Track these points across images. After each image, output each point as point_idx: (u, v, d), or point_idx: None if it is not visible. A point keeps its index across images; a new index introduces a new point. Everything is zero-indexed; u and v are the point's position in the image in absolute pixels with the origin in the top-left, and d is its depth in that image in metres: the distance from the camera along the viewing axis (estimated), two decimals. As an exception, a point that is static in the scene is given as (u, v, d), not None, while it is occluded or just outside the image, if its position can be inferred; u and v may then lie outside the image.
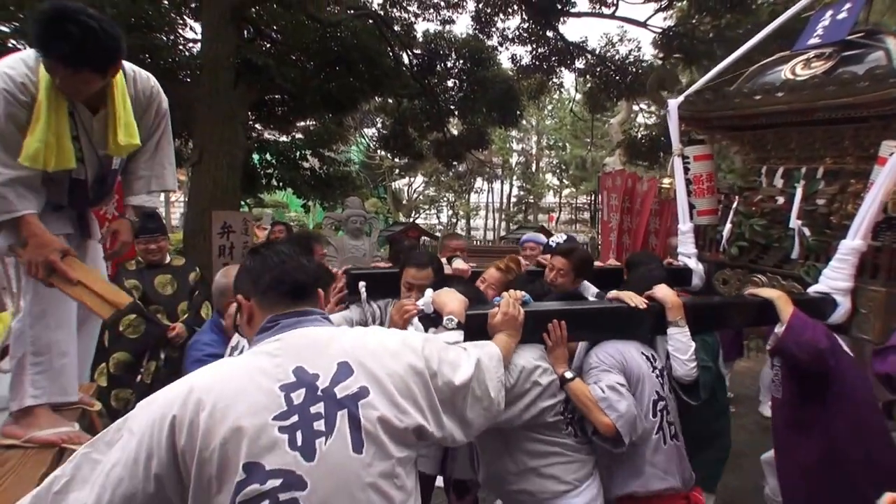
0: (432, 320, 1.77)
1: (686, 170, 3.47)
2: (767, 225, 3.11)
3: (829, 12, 3.04)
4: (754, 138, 3.38)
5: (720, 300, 2.88)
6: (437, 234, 18.77)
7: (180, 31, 6.55)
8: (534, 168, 29.71)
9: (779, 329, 2.13)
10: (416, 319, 1.84)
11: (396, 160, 17.82)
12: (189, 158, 5.48)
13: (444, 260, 2.71)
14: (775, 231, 3.09)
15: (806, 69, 2.96)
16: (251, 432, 0.94)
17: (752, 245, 3.19)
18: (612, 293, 2.18)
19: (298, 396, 1.00)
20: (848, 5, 2.94)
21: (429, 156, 11.60)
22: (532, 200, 30.06)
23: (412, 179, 26.51)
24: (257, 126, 8.17)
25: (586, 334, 2.08)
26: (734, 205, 3.31)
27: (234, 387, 0.99)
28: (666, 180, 3.79)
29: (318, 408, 1.01)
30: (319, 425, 0.99)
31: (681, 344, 2.05)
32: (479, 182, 28.35)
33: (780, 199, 3.11)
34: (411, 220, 24.85)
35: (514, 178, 29.76)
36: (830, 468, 2.05)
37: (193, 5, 6.42)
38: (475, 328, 1.70)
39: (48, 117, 1.59)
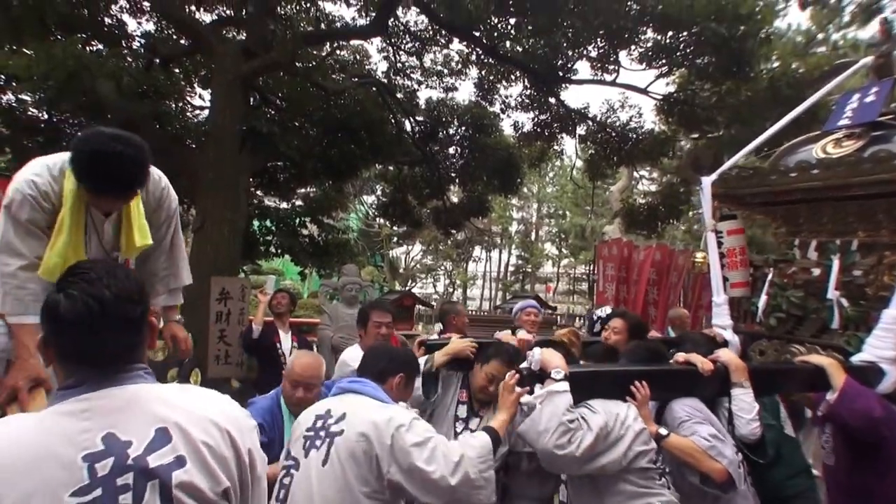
0: (537, 377, 2.02)
1: (719, 244, 3.64)
2: (804, 296, 3.22)
3: (857, 95, 3.31)
4: (787, 213, 3.59)
5: (777, 365, 2.93)
6: (433, 302, 18.59)
7: (189, 98, 6.79)
8: (533, 237, 30.14)
9: (830, 396, 2.24)
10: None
11: (395, 228, 18.02)
12: (192, 224, 5.47)
13: (508, 331, 3.08)
14: (812, 302, 3.20)
15: (837, 148, 3.21)
16: None
17: (788, 316, 3.30)
18: (681, 356, 2.37)
19: (104, 467, 0.91)
20: (875, 89, 3.21)
21: (428, 224, 11.72)
22: (530, 270, 30.24)
23: (410, 248, 26.75)
24: (258, 193, 8.26)
25: (659, 393, 2.21)
26: (769, 277, 3.44)
27: (28, 456, 0.88)
28: (699, 254, 3.98)
29: (126, 479, 0.92)
30: (126, 499, 0.90)
31: (745, 404, 2.20)
32: (477, 251, 28.62)
33: (816, 271, 3.25)
34: (408, 288, 24.74)
35: (513, 246, 30.11)
36: None
37: (203, 73, 6.69)
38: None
39: (70, 233, 1.69)
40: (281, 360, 4.46)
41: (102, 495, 0.89)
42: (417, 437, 1.70)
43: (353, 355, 2.86)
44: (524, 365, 2.13)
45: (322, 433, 1.74)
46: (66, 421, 0.93)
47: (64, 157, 1.70)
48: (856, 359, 2.70)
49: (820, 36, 14.59)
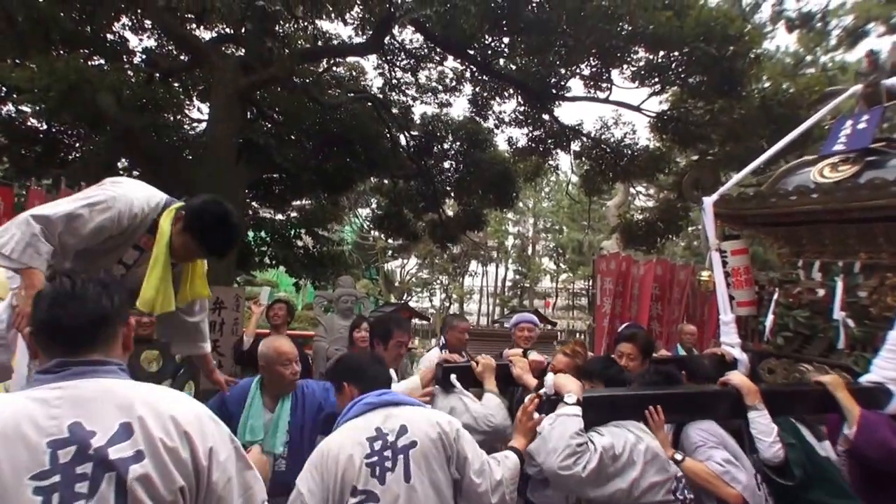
0: (552, 402, 2.09)
1: (724, 263, 3.72)
2: (810, 316, 3.31)
3: (850, 122, 3.49)
4: (788, 234, 3.69)
5: (790, 387, 2.97)
6: (430, 316, 18.62)
7: (187, 111, 7.00)
8: (530, 251, 30.24)
9: (848, 431, 2.28)
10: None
11: (390, 241, 18.14)
12: None
13: (520, 351, 3.06)
14: (818, 322, 3.28)
15: (834, 172, 3.35)
16: (1, 492, 0.91)
17: (795, 335, 3.37)
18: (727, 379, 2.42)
19: (66, 454, 0.97)
20: (866, 116, 3.39)
21: (423, 237, 11.84)
22: (528, 285, 30.28)
23: (405, 261, 26.84)
24: (254, 204, 8.43)
25: (674, 416, 2.26)
26: (775, 296, 3.51)
27: None
28: (704, 273, 4.07)
29: (85, 468, 0.97)
30: (82, 487, 0.96)
31: (763, 426, 2.22)
32: (473, 265, 28.70)
33: (821, 292, 3.34)
34: (403, 302, 24.79)
35: (510, 261, 30.19)
36: None
37: (201, 87, 6.91)
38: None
39: (164, 269, 1.93)
40: None
41: (60, 481, 0.94)
42: (471, 447, 1.80)
43: None
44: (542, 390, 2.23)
45: (388, 453, 1.68)
46: (39, 407, 1.00)
47: (164, 196, 2.01)
48: (864, 379, 2.76)
49: (808, 58, 14.97)
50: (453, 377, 2.63)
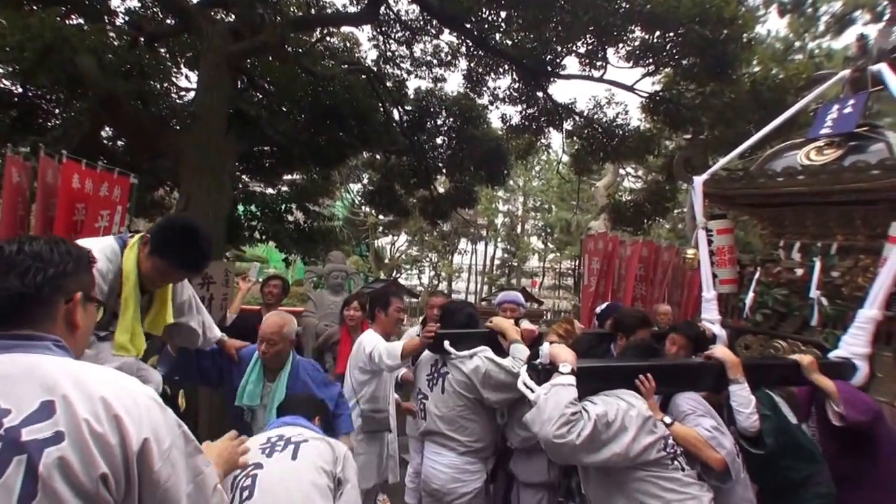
0: (548, 372, 2.14)
1: (709, 242, 3.80)
2: (788, 294, 3.43)
3: (836, 106, 3.53)
4: (772, 215, 3.79)
5: (766, 360, 3.06)
6: (418, 293, 18.60)
7: (174, 79, 6.70)
8: (519, 230, 30.24)
9: (838, 408, 2.39)
10: (525, 376, 2.20)
11: (381, 217, 17.99)
12: (175, 206, 5.42)
13: (511, 321, 3.11)
14: (795, 300, 3.40)
15: (819, 155, 3.44)
16: None
17: (773, 313, 3.48)
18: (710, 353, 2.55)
19: None
20: (852, 101, 3.44)
21: (414, 213, 11.74)
22: (516, 264, 30.37)
23: (395, 238, 26.70)
24: (244, 177, 8.22)
25: (662, 387, 2.34)
26: (756, 275, 3.61)
27: None
28: (690, 251, 4.09)
29: None
30: None
31: (742, 398, 2.33)
32: (462, 243, 28.66)
33: (799, 271, 3.45)
34: (392, 279, 24.74)
35: (499, 239, 30.19)
36: None
37: (189, 54, 6.61)
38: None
39: (134, 311, 1.90)
40: None
41: None
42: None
43: (369, 339, 3.11)
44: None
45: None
46: None
47: (110, 241, 1.96)
48: (832, 355, 2.90)
49: (797, 44, 14.99)
50: (447, 343, 2.72)
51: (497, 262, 31.04)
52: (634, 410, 2.04)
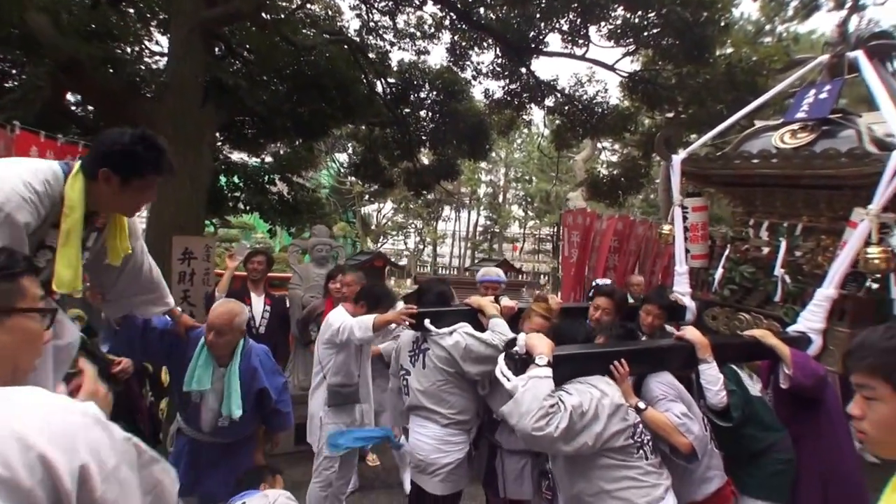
0: (525, 361, 2.08)
1: (684, 218, 3.83)
2: (754, 271, 3.45)
3: (813, 91, 3.46)
4: (744, 194, 3.76)
5: (731, 339, 3.12)
6: (405, 257, 18.50)
7: (146, 43, 6.19)
8: (500, 199, 30.12)
9: (788, 371, 2.45)
10: (504, 365, 2.13)
11: (366, 186, 17.63)
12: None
13: (490, 298, 3.11)
14: (760, 277, 3.43)
15: (793, 138, 3.37)
16: None
17: (739, 287, 3.53)
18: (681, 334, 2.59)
19: None
20: (828, 87, 3.37)
21: (399, 184, 11.48)
22: (497, 230, 30.38)
23: (381, 205, 26.34)
24: (225, 147, 7.84)
25: (634, 369, 2.32)
26: (726, 252, 3.64)
27: None
28: (666, 227, 4.09)
29: None
30: None
31: (711, 377, 2.37)
32: (446, 210, 28.46)
33: (766, 250, 3.48)
34: (379, 245, 24.57)
35: (482, 207, 30.07)
36: (823, 475, 2.44)
37: (161, 17, 6.10)
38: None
39: (77, 246, 1.61)
40: (251, 324, 4.08)
41: None
42: None
43: (337, 316, 3.03)
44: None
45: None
46: None
47: (52, 164, 1.62)
48: (791, 329, 3.00)
49: (768, 27, 14.84)
50: (426, 321, 2.68)
51: (480, 228, 30.97)
52: (607, 399, 2.01)
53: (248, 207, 6.98)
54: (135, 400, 3.03)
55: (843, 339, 2.91)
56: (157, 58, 6.32)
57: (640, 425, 2.09)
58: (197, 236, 4.68)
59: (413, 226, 29.08)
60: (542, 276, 20.13)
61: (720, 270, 3.61)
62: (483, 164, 25.67)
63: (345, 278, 3.87)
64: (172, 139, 4.84)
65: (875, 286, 3.04)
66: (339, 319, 2.98)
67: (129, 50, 5.35)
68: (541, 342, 2.11)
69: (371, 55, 8.46)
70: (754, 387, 2.63)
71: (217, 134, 6.76)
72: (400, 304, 3.07)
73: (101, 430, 0.85)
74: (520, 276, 13.58)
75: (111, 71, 4.55)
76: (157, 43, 6.69)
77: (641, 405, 2.17)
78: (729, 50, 8.89)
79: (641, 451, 2.04)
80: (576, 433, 1.92)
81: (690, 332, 2.48)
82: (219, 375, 2.47)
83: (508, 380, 2.05)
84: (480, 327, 2.73)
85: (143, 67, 5.45)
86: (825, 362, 2.83)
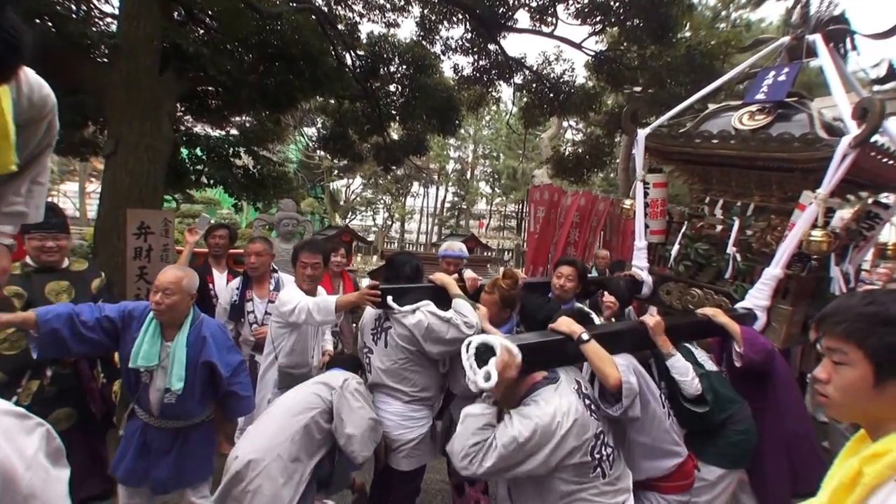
0: (484, 360, 1.77)
1: (645, 194, 3.80)
2: (708, 248, 3.47)
3: (773, 73, 3.43)
4: (702, 172, 3.77)
5: (684, 319, 3.11)
6: (372, 234, 18.21)
7: (95, 2, 5.63)
8: (468, 176, 29.94)
9: (739, 349, 2.50)
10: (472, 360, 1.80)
11: (335, 161, 17.14)
12: (103, 149, 4.68)
13: (455, 275, 3.04)
14: (713, 254, 3.45)
15: (751, 120, 3.36)
16: None
17: (693, 264, 3.55)
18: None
19: None
20: (786, 70, 3.35)
21: (368, 158, 11.18)
22: (465, 206, 30.30)
23: (350, 181, 25.77)
24: (188, 118, 7.36)
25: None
26: (683, 229, 3.65)
27: None
28: (627, 202, 4.07)
29: None
30: None
31: (680, 368, 2.31)
32: (415, 186, 28.13)
33: (720, 228, 3.50)
34: (347, 220, 24.14)
35: (450, 184, 29.85)
36: (785, 441, 2.51)
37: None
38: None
39: None
40: (213, 302, 3.84)
41: None
42: None
43: (289, 296, 2.79)
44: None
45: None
46: None
47: None
48: (738, 305, 3.06)
49: (724, 13, 15.07)
50: (389, 298, 2.55)
51: (448, 204, 30.81)
52: (560, 417, 1.77)
53: (211, 181, 6.58)
54: (85, 382, 2.79)
55: (785, 315, 3.00)
56: (109, 19, 5.76)
57: (602, 438, 1.88)
58: (153, 209, 4.36)
59: (382, 201, 28.66)
60: (506, 253, 20.28)
61: (676, 246, 3.63)
62: (452, 141, 25.39)
63: (253, 246, 3.57)
64: (125, 106, 4.49)
65: (815, 265, 3.11)
66: (295, 299, 2.75)
67: (73, 8, 4.83)
68: (500, 361, 1.75)
69: (340, 27, 8.05)
70: (708, 362, 2.65)
71: (178, 105, 6.33)
72: (365, 283, 2.93)
73: (13, 419, 0.77)
74: (487, 253, 13.62)
75: (54, 31, 4.10)
76: (106, 2, 6.13)
77: (585, 336, 2.03)
78: (689, 33, 8.93)
79: (599, 470, 1.86)
80: (517, 462, 1.76)
81: (651, 321, 2.39)
82: (167, 352, 2.28)
83: (474, 377, 1.77)
84: (446, 303, 2.62)
85: (93, 28, 4.95)
86: (769, 338, 2.89)
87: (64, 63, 4.24)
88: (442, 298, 2.65)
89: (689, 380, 2.31)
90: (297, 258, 3.05)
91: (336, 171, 21.10)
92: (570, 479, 1.82)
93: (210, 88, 6.55)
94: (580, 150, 11.25)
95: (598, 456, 1.85)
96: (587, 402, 1.92)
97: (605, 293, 3.33)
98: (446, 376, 2.73)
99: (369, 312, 2.77)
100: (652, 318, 2.43)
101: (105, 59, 4.79)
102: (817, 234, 2.74)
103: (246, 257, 3.60)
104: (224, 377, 2.36)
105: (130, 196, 4.37)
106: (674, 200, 4.43)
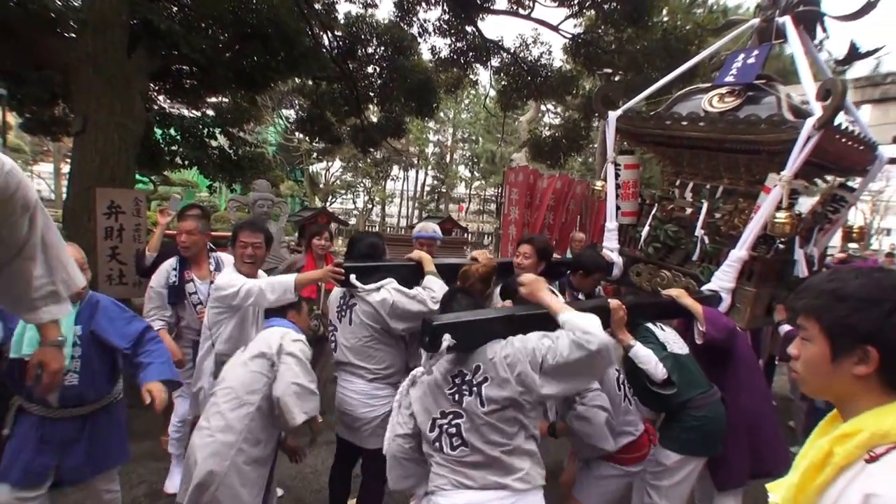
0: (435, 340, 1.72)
1: (616, 175, 3.74)
2: (677, 230, 3.44)
3: (742, 55, 3.38)
4: (673, 154, 3.71)
5: (649, 300, 3.11)
6: (352, 216, 17.99)
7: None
8: (448, 159, 29.74)
9: (702, 327, 2.49)
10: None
11: (314, 143, 16.80)
12: (72, 127, 4.46)
13: (428, 255, 2.89)
14: (682, 236, 3.42)
15: (721, 102, 3.31)
16: None
17: (663, 246, 3.52)
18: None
19: None
20: (756, 52, 3.30)
21: (346, 141, 10.97)
22: (444, 190, 30.15)
23: (330, 164, 25.31)
24: (162, 98, 7.08)
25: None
26: (654, 211, 3.60)
27: None
28: (598, 183, 3.97)
29: None
30: None
31: (643, 356, 2.27)
32: (395, 170, 27.83)
33: (689, 210, 3.47)
34: (328, 204, 23.81)
35: (429, 167, 29.63)
36: (746, 420, 2.50)
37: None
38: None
39: None
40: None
41: None
42: None
43: (228, 279, 2.59)
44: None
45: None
46: None
47: None
48: (704, 287, 3.04)
49: None
50: (352, 277, 2.50)
51: (427, 188, 30.60)
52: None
53: (186, 162, 6.37)
54: None
55: (749, 297, 2.99)
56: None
57: (451, 418, 1.75)
58: (124, 189, 4.20)
59: (362, 185, 28.30)
60: (485, 237, 20.31)
61: (647, 228, 3.60)
62: (431, 124, 25.10)
63: (184, 224, 3.21)
64: (93, 82, 4.29)
65: (781, 247, 3.10)
66: (237, 281, 2.53)
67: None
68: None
69: (317, 6, 7.79)
70: (675, 342, 2.51)
71: (152, 83, 6.08)
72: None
73: None
74: (465, 235, 13.62)
75: (14, 4, 3.86)
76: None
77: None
78: (666, 19, 8.91)
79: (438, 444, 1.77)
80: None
81: (616, 319, 2.27)
82: None
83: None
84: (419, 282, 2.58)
85: (57, 2, 4.67)
86: (734, 319, 2.91)
87: (27, 38, 4.01)
88: (418, 278, 2.60)
89: (653, 365, 2.25)
90: (236, 238, 2.74)
91: (315, 154, 20.69)
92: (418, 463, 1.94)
93: (185, 67, 6.31)
94: (557, 134, 11.24)
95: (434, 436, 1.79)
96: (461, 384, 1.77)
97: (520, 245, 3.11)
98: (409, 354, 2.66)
99: (335, 292, 2.71)
100: (616, 312, 2.26)
101: (73, 35, 4.55)
102: (781, 216, 2.72)
103: (177, 236, 3.24)
104: (122, 348, 2.15)
105: (101, 176, 4.19)
106: (649, 184, 4.43)
